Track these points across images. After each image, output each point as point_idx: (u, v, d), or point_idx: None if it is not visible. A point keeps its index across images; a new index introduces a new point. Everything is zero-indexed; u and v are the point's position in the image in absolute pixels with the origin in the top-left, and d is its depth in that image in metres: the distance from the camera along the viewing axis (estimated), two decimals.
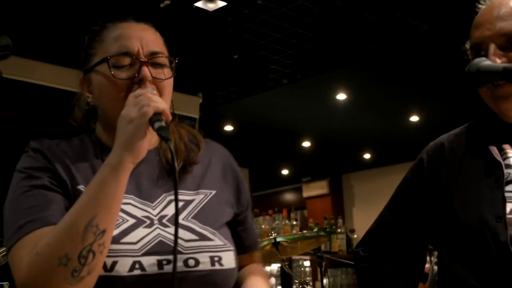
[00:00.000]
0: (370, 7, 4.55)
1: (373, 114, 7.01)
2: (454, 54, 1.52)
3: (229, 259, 1.35)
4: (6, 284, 3.70)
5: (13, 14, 4.41)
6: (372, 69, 5.71)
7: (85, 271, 1.16)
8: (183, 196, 1.40)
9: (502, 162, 1.51)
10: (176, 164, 1.17)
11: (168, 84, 1.43)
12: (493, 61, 1.43)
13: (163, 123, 1.21)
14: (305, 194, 10.14)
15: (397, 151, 8.14)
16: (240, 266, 1.50)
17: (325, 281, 8.28)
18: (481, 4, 1.62)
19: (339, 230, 8.92)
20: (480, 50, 1.50)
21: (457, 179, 1.54)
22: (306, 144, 8.20)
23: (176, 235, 1.14)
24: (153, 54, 1.40)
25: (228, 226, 1.46)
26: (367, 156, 8.92)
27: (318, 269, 6.94)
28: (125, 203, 1.33)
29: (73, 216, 1.19)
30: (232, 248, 1.39)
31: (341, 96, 6.42)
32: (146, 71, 1.36)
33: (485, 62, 1.31)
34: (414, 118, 7.06)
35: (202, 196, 1.43)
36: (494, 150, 1.53)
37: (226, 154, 1.60)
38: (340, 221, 9.11)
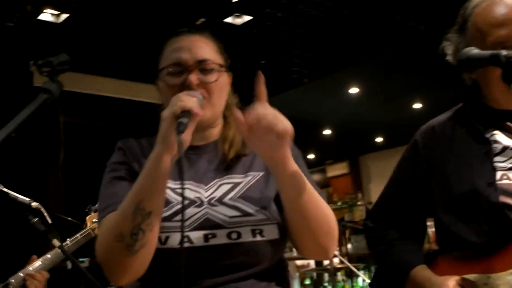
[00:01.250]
0: (374, 12, 4.51)
1: (382, 104, 6.95)
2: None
3: (270, 232, 1.30)
4: (87, 259, 3.76)
5: (85, 39, 4.46)
6: (378, 65, 5.66)
7: (138, 245, 1.18)
8: (233, 179, 1.37)
9: (490, 138, 1.48)
10: (182, 156, 1.15)
11: (216, 86, 1.38)
12: None
13: (185, 120, 1.17)
14: (329, 174, 10.13)
15: (404, 134, 7.96)
16: None
17: (349, 245, 8.26)
18: (487, 2, 1.51)
19: (359, 203, 8.88)
20: (505, 47, 1.37)
21: (450, 156, 1.51)
22: (327, 132, 8.18)
23: (182, 214, 1.13)
24: (200, 62, 1.38)
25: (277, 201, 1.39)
26: (379, 139, 8.86)
27: (343, 236, 6.96)
28: (183, 188, 1.35)
29: (125, 202, 1.21)
30: (275, 221, 1.32)
31: (354, 90, 6.40)
32: (191, 77, 1.34)
33: (473, 50, 1.26)
34: (417, 105, 7.01)
35: (249, 178, 1.39)
36: (481, 129, 1.50)
37: None
38: (359, 195, 9.07)
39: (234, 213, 1.30)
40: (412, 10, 4.50)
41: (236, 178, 1.38)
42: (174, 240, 1.25)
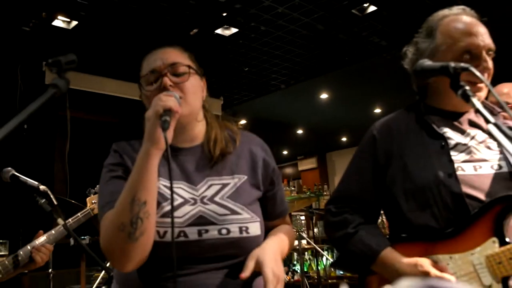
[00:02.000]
0: (343, 29, 4.52)
1: (348, 108, 7.00)
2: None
3: (254, 229, 1.32)
4: (88, 237, 3.71)
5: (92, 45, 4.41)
6: (345, 75, 5.68)
7: (138, 233, 1.17)
8: (222, 180, 1.36)
9: (444, 134, 1.48)
10: (169, 151, 1.15)
11: (190, 86, 1.37)
12: (482, 65, 1.43)
13: (167, 118, 1.17)
14: (300, 168, 10.14)
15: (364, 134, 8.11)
16: (272, 227, 1.49)
17: (315, 230, 8.30)
18: (454, 13, 1.53)
19: (325, 193, 8.90)
20: (471, 53, 1.44)
21: (406, 148, 1.49)
22: (299, 131, 8.19)
23: (171, 211, 1.14)
24: (171, 65, 1.36)
25: (260, 201, 1.42)
26: (344, 139, 8.91)
27: (311, 221, 6.99)
28: (177, 187, 1.32)
29: (122, 196, 1.20)
30: (258, 219, 1.35)
31: (324, 96, 6.41)
32: (165, 79, 1.33)
33: (427, 62, 1.26)
34: (377, 110, 7.06)
35: (236, 180, 1.38)
36: (434, 125, 1.50)
37: (258, 143, 1.53)
38: (325, 186, 9.11)
39: (224, 211, 1.30)
40: (376, 28, 4.54)
41: (224, 179, 1.37)
42: (169, 234, 1.24)
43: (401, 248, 1.42)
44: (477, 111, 1.06)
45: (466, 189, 1.39)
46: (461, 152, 1.46)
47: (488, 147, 1.49)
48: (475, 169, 1.43)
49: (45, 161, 4.90)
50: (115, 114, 5.59)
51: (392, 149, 1.51)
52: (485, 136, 1.51)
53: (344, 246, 1.52)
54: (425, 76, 1.24)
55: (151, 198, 1.21)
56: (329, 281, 6.43)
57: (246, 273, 1.22)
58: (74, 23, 4.11)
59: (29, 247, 2.19)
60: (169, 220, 1.24)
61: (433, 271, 1.29)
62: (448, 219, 1.38)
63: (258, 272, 1.29)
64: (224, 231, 1.27)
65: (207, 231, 1.26)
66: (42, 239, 2.24)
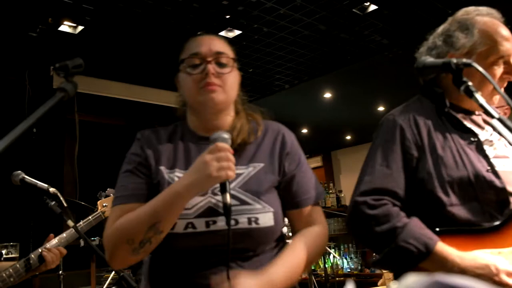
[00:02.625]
0: (345, 28, 4.51)
1: (351, 106, 6.97)
2: (406, 59, 1.47)
3: (266, 219, 1.26)
4: (98, 238, 3.72)
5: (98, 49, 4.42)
6: (348, 73, 5.66)
7: (142, 251, 1.20)
8: (237, 170, 1.29)
9: (475, 129, 1.46)
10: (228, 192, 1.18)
11: (230, 78, 1.38)
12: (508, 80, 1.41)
13: (227, 188, 1.18)
14: None
15: (369, 133, 7.97)
16: (297, 221, 1.39)
17: None
18: (489, 13, 1.48)
19: (330, 191, 8.89)
20: (505, 60, 1.42)
21: (437, 142, 1.42)
22: (304, 130, 8.18)
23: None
24: (217, 54, 1.36)
25: (278, 188, 1.37)
26: (348, 137, 8.88)
27: None
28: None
29: (143, 215, 1.20)
30: (271, 210, 1.28)
31: (327, 95, 6.39)
32: (210, 67, 1.33)
33: (429, 59, 1.25)
34: (381, 108, 7.02)
35: (251, 169, 1.34)
36: (461, 119, 1.47)
37: (278, 130, 1.48)
38: (331, 185, 9.08)
39: (233, 202, 1.25)
40: (377, 27, 4.52)
41: (239, 169, 1.32)
42: (179, 226, 1.24)
43: (446, 242, 1.32)
44: (481, 106, 1.05)
45: (505, 184, 1.38)
46: (489, 147, 1.45)
47: (505, 145, 1.49)
48: (503, 165, 1.43)
49: (55, 164, 4.92)
50: (122, 117, 5.61)
51: (422, 141, 1.44)
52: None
53: (392, 242, 1.33)
54: (427, 73, 1.23)
55: (168, 229, 1.21)
56: (337, 278, 6.42)
57: None
58: (80, 28, 4.12)
59: (40, 251, 2.19)
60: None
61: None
62: (491, 213, 1.36)
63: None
64: (232, 222, 1.22)
65: (214, 222, 1.23)
66: (53, 242, 2.25)
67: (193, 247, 1.24)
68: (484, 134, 1.49)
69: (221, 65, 1.36)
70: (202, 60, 1.35)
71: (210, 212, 1.25)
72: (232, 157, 1.20)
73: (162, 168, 1.33)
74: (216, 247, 1.22)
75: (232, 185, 1.29)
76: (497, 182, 1.37)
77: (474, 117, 1.52)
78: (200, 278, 1.23)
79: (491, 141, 1.47)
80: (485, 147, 1.44)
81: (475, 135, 1.46)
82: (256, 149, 1.40)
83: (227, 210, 1.15)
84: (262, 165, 1.36)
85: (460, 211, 1.36)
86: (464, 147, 1.43)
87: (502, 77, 1.46)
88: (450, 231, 1.35)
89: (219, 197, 1.25)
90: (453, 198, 1.37)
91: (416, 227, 1.33)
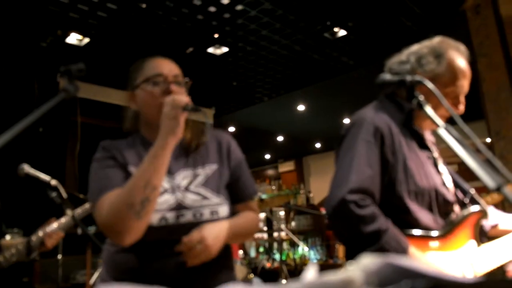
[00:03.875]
0: (317, 50, 4.54)
1: (321, 118, 7.02)
2: (369, 78, 1.47)
3: (223, 211, 1.32)
4: (94, 227, 3.65)
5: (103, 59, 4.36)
6: (319, 89, 5.71)
7: (143, 212, 1.15)
8: (195, 170, 1.36)
9: (432, 146, 1.50)
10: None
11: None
12: (460, 107, 1.44)
13: (188, 107, 1.20)
14: (280, 170, 10.14)
15: (336, 141, 8.09)
16: (241, 212, 1.42)
17: (293, 223, 8.30)
18: (460, 49, 1.48)
19: (301, 192, 8.92)
20: (458, 95, 1.44)
21: (406, 152, 1.40)
22: (280, 138, 8.19)
23: None
24: (176, 76, 1.37)
25: (227, 185, 1.40)
26: (318, 145, 8.93)
27: (289, 216, 6.98)
28: None
29: (134, 179, 1.18)
30: (226, 203, 1.34)
31: (301, 107, 6.42)
32: (173, 86, 1.33)
33: (387, 76, 1.24)
34: (347, 120, 7.06)
35: (207, 170, 1.38)
36: (422, 135, 1.49)
37: (223, 135, 1.50)
38: (302, 185, 9.11)
39: (197, 197, 1.30)
40: (345, 50, 4.57)
41: (196, 169, 1.37)
42: (155, 219, 1.24)
43: (410, 243, 1.31)
44: (429, 118, 1.06)
45: (453, 198, 1.44)
46: (440, 165, 1.49)
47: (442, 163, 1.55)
48: (447, 181, 1.48)
49: (58, 159, 4.83)
50: (119, 120, 5.53)
51: (395, 150, 1.39)
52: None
53: (377, 242, 1.25)
54: (385, 87, 1.24)
55: (160, 183, 1.20)
56: (304, 267, 6.43)
57: (183, 247, 1.20)
58: (86, 40, 4.06)
59: (40, 233, 2.14)
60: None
61: None
62: (440, 221, 1.40)
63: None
64: (198, 215, 1.27)
65: (183, 215, 1.26)
66: (53, 226, 2.20)
67: (165, 238, 1.24)
68: (434, 152, 1.51)
69: (178, 84, 1.37)
70: (164, 80, 1.35)
71: (179, 206, 1.27)
72: (177, 92, 1.30)
73: (131, 167, 1.32)
74: (185, 235, 1.22)
75: (194, 183, 1.33)
76: (448, 196, 1.42)
77: (426, 136, 1.53)
78: (161, 264, 1.22)
79: (436, 159, 1.49)
80: (438, 163, 1.48)
81: (431, 152, 1.48)
82: (206, 151, 1.43)
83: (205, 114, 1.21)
84: (215, 165, 1.40)
85: (421, 218, 1.36)
86: (425, 161, 1.44)
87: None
88: (412, 234, 1.35)
89: (185, 193, 1.29)
90: (417, 206, 1.36)
91: (395, 231, 1.28)
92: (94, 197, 1.25)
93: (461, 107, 1.45)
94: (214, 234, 1.24)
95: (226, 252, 1.36)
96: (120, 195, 1.18)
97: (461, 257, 1.37)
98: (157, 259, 1.23)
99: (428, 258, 1.31)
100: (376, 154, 1.34)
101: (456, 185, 1.55)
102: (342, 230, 1.32)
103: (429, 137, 1.55)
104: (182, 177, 1.34)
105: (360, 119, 1.43)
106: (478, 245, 1.41)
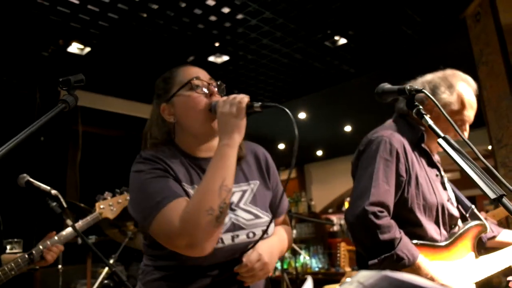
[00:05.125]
0: (318, 58, 4.55)
1: (322, 126, 7.02)
2: (370, 86, 1.47)
3: (272, 228, 1.29)
4: (94, 236, 3.63)
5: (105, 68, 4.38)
6: (320, 97, 5.71)
7: (222, 216, 1.09)
8: (241, 187, 1.29)
9: (439, 166, 1.64)
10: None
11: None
12: (465, 134, 1.57)
13: (258, 104, 1.17)
14: (282, 177, 10.12)
15: (337, 149, 8.15)
16: (276, 225, 1.40)
17: (294, 231, 8.26)
18: (471, 85, 1.63)
19: (303, 199, 8.90)
20: (465, 123, 1.60)
21: (417, 169, 1.54)
22: (281, 146, 8.19)
23: None
24: (211, 79, 1.33)
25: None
26: (319, 153, 8.92)
27: (290, 224, 6.92)
28: None
29: (207, 182, 1.10)
30: (272, 219, 1.29)
31: (302, 115, 6.43)
32: (213, 87, 1.30)
33: (387, 85, 1.27)
34: (348, 128, 7.09)
35: (252, 185, 1.32)
36: (430, 154, 1.63)
37: (258, 148, 1.46)
38: (303, 193, 9.09)
39: (250, 216, 1.24)
40: (346, 58, 4.58)
41: (242, 186, 1.30)
42: None
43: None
44: (430, 127, 1.06)
45: (457, 213, 1.58)
46: (446, 182, 1.64)
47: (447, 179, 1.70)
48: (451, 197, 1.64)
49: (59, 169, 4.83)
50: (121, 129, 5.55)
51: (409, 167, 1.54)
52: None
53: (390, 249, 1.40)
54: (385, 97, 1.25)
55: (232, 185, 1.14)
56: (306, 276, 6.39)
57: (242, 268, 1.16)
58: (87, 49, 4.08)
59: (41, 247, 2.13)
60: None
61: None
62: (444, 233, 1.54)
63: None
64: (251, 235, 1.21)
65: (238, 236, 1.20)
66: (53, 239, 2.19)
67: (222, 260, 1.17)
68: (441, 170, 1.66)
69: (216, 87, 1.33)
70: (202, 83, 1.28)
71: (234, 227, 1.21)
72: (235, 96, 1.22)
73: (184, 185, 1.21)
74: (240, 256, 1.18)
75: (243, 201, 1.27)
76: (453, 211, 1.56)
77: (434, 156, 1.67)
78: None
79: (445, 176, 1.66)
80: (444, 181, 1.63)
81: (439, 170, 1.62)
82: (247, 167, 1.37)
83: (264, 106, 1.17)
84: (258, 182, 1.35)
85: (428, 230, 1.50)
86: (433, 178, 1.58)
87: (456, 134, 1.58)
88: (420, 244, 1.49)
89: (237, 212, 1.23)
90: (425, 219, 1.51)
91: (407, 240, 1.43)
92: (153, 209, 1.11)
93: (466, 134, 1.59)
94: (269, 251, 1.21)
95: None
96: (195, 201, 1.09)
97: (461, 267, 1.49)
98: (212, 284, 1.15)
99: (434, 266, 1.44)
100: (392, 171, 1.50)
101: (458, 200, 1.68)
102: (362, 237, 1.46)
103: (436, 158, 1.69)
104: (232, 194, 1.24)
105: (379, 137, 1.58)
106: (476, 257, 1.55)
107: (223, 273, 1.17)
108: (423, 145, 1.60)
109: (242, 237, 1.19)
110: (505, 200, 0.82)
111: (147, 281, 1.22)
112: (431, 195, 1.51)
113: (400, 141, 1.55)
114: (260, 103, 1.17)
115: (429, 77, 1.66)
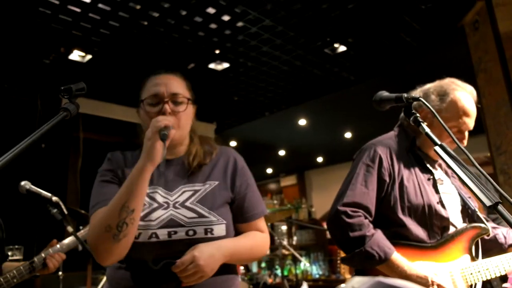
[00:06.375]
0: (317, 65, 4.57)
1: (322, 132, 7.03)
2: (369, 93, 1.49)
3: (219, 230, 1.27)
4: None
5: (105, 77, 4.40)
6: (320, 104, 5.72)
7: (121, 235, 1.15)
8: (194, 187, 1.33)
9: (432, 170, 1.64)
10: (163, 160, 1.18)
11: (184, 115, 1.36)
12: (461, 140, 1.58)
13: (166, 132, 1.18)
14: (282, 184, 10.12)
15: (338, 155, 8.14)
16: (244, 231, 1.40)
17: (295, 238, 8.24)
18: (466, 90, 1.62)
19: (303, 206, 8.88)
20: (458, 130, 1.58)
21: (405, 173, 1.57)
22: (282, 152, 8.20)
23: None
24: (173, 95, 1.35)
25: (230, 204, 1.37)
26: (320, 159, 8.92)
27: (291, 230, 6.92)
28: (154, 191, 1.30)
29: (114, 201, 1.19)
30: (224, 222, 1.28)
31: (302, 122, 6.44)
32: (166, 106, 1.32)
33: (385, 93, 1.28)
34: (348, 134, 7.09)
35: (207, 186, 1.34)
36: (425, 161, 1.65)
37: (231, 153, 1.47)
38: (304, 200, 9.08)
39: (192, 214, 1.26)
40: (345, 65, 4.60)
41: (196, 186, 1.34)
42: (145, 236, 1.22)
43: (399, 251, 1.49)
44: (426, 134, 1.07)
45: (447, 213, 1.57)
46: (440, 185, 1.62)
47: (452, 183, 1.70)
48: (448, 200, 1.62)
49: (60, 175, 4.84)
50: (122, 136, 5.56)
51: (394, 171, 1.58)
52: (446, 176, 1.71)
53: (360, 246, 1.48)
54: (383, 104, 1.26)
55: (139, 206, 1.19)
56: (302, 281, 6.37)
57: (176, 269, 1.18)
58: (89, 57, 4.11)
59: (43, 255, 2.13)
60: (143, 223, 1.23)
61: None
62: (434, 235, 1.54)
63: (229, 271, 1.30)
64: (191, 232, 1.23)
65: (175, 232, 1.23)
66: (55, 248, 2.19)
67: (157, 254, 1.21)
68: (437, 173, 1.66)
69: (176, 103, 1.36)
70: (160, 100, 1.35)
71: (172, 223, 1.24)
72: (162, 116, 1.26)
73: None
74: (176, 253, 1.21)
75: (191, 199, 1.30)
76: (443, 212, 1.55)
77: (430, 160, 1.68)
78: (156, 284, 1.21)
79: (442, 180, 1.65)
80: (438, 184, 1.61)
81: (432, 174, 1.63)
82: (212, 169, 1.40)
83: (164, 152, 1.18)
84: (217, 182, 1.36)
85: (413, 230, 1.52)
86: (423, 181, 1.59)
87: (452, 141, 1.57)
88: (402, 243, 1.52)
89: (179, 210, 1.27)
90: (410, 220, 1.53)
91: (380, 238, 1.48)
92: (90, 212, 1.29)
93: (464, 142, 1.59)
94: (208, 253, 1.20)
95: (226, 271, 1.31)
96: (100, 218, 1.19)
97: (451, 269, 1.50)
98: (153, 278, 1.21)
99: (416, 265, 1.46)
100: (373, 176, 1.56)
101: (465, 203, 1.68)
102: (336, 235, 1.56)
103: (433, 161, 1.70)
104: (180, 193, 1.31)
105: (365, 146, 1.67)
106: (472, 260, 1.54)
107: (164, 270, 1.20)
108: (417, 151, 1.65)
109: (180, 233, 1.22)
110: (500, 207, 0.83)
111: (108, 274, 1.34)
112: (417, 197, 1.54)
113: (386, 147, 1.62)
114: (163, 133, 1.19)
115: (427, 86, 1.69)
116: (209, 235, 1.25)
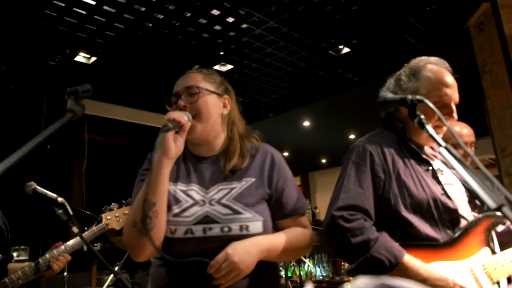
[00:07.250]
0: (322, 67, 4.58)
1: (326, 134, 7.03)
2: (374, 95, 1.48)
3: (255, 227, 1.24)
4: (100, 244, 3.64)
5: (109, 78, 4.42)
6: (324, 105, 5.72)
7: (146, 229, 1.15)
8: (231, 185, 1.31)
9: (429, 160, 1.50)
10: (195, 156, 1.26)
11: (202, 104, 1.35)
12: (451, 114, 1.45)
13: (170, 124, 1.19)
14: None
15: (341, 157, 8.09)
16: (284, 228, 1.37)
17: None
18: (436, 63, 1.52)
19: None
20: (443, 104, 1.46)
21: (400, 168, 1.44)
22: (286, 153, 8.20)
23: None
24: (187, 88, 1.36)
25: (268, 201, 1.34)
26: (323, 160, 8.91)
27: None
28: (191, 189, 1.31)
29: (137, 197, 1.23)
30: (261, 219, 1.26)
31: (306, 123, 6.44)
32: (180, 101, 1.34)
33: (389, 94, 1.26)
34: (352, 136, 7.09)
35: (243, 183, 1.32)
36: (419, 151, 1.51)
37: (268, 149, 1.45)
38: (308, 201, 9.07)
39: (227, 211, 1.25)
40: (350, 66, 4.60)
41: (233, 184, 1.33)
42: (180, 231, 1.23)
43: (411, 254, 1.31)
44: (431, 136, 1.06)
45: (456, 205, 1.41)
46: (441, 176, 1.48)
47: (452, 173, 1.54)
48: (452, 191, 1.46)
49: (65, 176, 4.86)
50: (127, 137, 5.59)
51: (388, 166, 1.44)
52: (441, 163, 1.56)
53: (366, 252, 1.29)
54: (387, 106, 1.25)
55: (161, 199, 1.19)
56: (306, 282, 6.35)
57: (210, 269, 1.17)
58: (94, 58, 4.13)
59: (48, 256, 2.14)
60: (179, 219, 1.24)
61: None
62: (446, 230, 1.38)
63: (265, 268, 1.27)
64: (226, 229, 1.22)
65: (210, 228, 1.22)
66: (60, 249, 2.20)
67: (191, 251, 1.21)
68: (435, 164, 1.52)
69: (191, 95, 1.35)
70: (177, 98, 1.36)
71: (207, 220, 1.24)
72: (172, 110, 1.30)
73: (179, 182, 1.35)
74: (210, 250, 1.20)
75: (227, 197, 1.29)
76: (450, 204, 1.40)
77: (425, 149, 1.56)
78: (192, 280, 1.21)
79: (442, 170, 1.50)
80: (438, 175, 1.47)
81: (429, 164, 1.49)
82: (249, 166, 1.38)
83: (162, 142, 1.19)
84: (253, 179, 1.34)
85: (421, 228, 1.36)
86: (422, 174, 1.45)
87: (438, 119, 1.47)
88: (413, 245, 1.34)
89: (215, 207, 1.26)
90: (415, 217, 1.37)
91: (387, 240, 1.31)
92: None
93: (454, 115, 1.47)
94: (242, 249, 1.18)
95: (266, 269, 1.29)
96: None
97: (472, 266, 1.34)
98: (189, 276, 1.20)
99: (433, 267, 1.29)
100: (367, 173, 1.42)
101: (471, 193, 1.52)
102: (336, 245, 1.37)
103: (429, 151, 1.57)
104: (216, 191, 1.30)
105: (354, 145, 1.54)
106: (492, 253, 1.37)
107: (201, 269, 1.20)
108: (409, 142, 1.52)
109: (215, 230, 1.22)
110: (505, 209, 0.82)
111: (151, 271, 1.35)
112: (419, 191, 1.39)
113: (375, 143, 1.49)
114: (167, 126, 1.20)
115: (396, 73, 1.60)
116: (244, 232, 1.23)
